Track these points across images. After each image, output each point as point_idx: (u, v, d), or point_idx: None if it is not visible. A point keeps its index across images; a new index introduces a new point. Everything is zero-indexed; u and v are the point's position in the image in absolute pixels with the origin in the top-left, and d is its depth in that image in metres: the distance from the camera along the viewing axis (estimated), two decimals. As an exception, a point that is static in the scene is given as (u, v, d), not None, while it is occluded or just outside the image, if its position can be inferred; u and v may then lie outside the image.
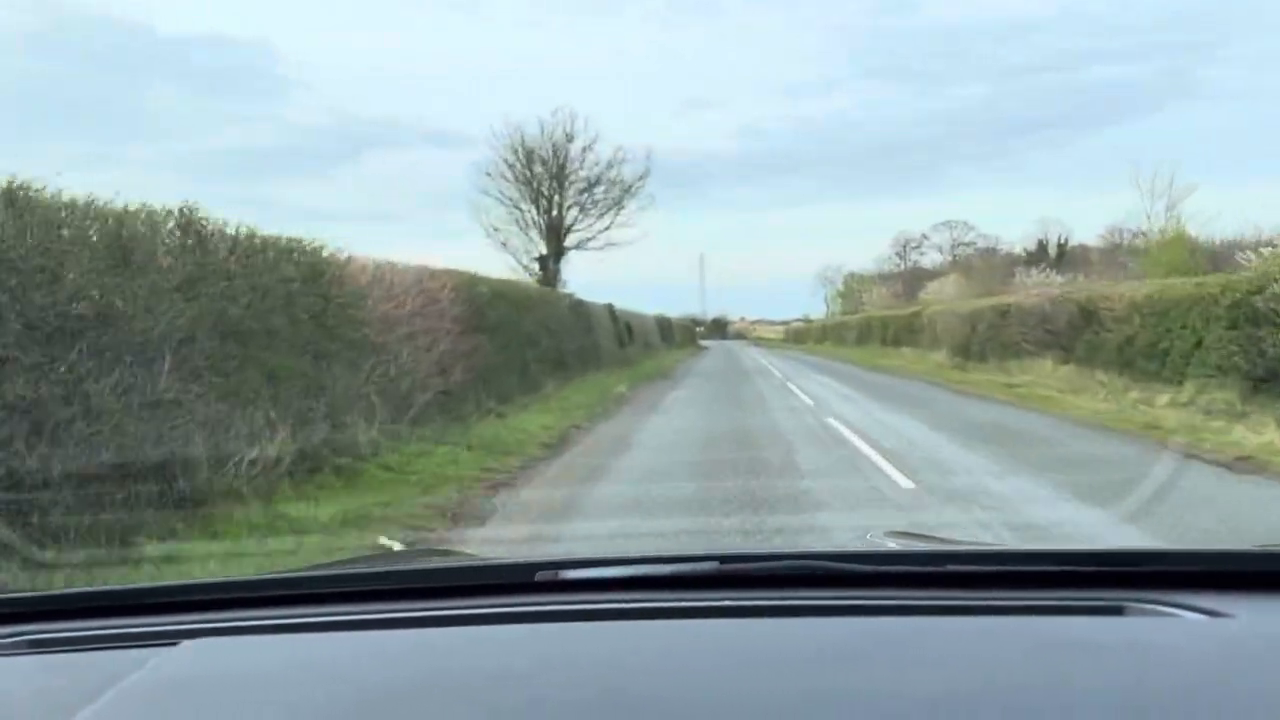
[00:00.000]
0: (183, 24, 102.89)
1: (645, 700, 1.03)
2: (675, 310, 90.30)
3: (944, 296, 52.57)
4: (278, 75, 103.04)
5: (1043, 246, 67.52)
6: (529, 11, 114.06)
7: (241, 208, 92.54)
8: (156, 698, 1.10)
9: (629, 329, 36.21)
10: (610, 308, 36.24)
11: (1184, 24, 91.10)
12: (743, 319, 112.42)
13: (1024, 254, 68.10)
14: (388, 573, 1.74)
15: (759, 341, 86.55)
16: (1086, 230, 63.96)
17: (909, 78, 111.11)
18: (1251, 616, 1.27)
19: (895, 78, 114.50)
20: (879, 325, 47.46)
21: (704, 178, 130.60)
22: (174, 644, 1.27)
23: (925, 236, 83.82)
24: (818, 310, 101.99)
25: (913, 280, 66.55)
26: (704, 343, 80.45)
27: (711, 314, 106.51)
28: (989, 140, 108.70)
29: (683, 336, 71.23)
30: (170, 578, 5.09)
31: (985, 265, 62.06)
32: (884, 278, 71.55)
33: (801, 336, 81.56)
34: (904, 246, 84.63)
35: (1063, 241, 64.48)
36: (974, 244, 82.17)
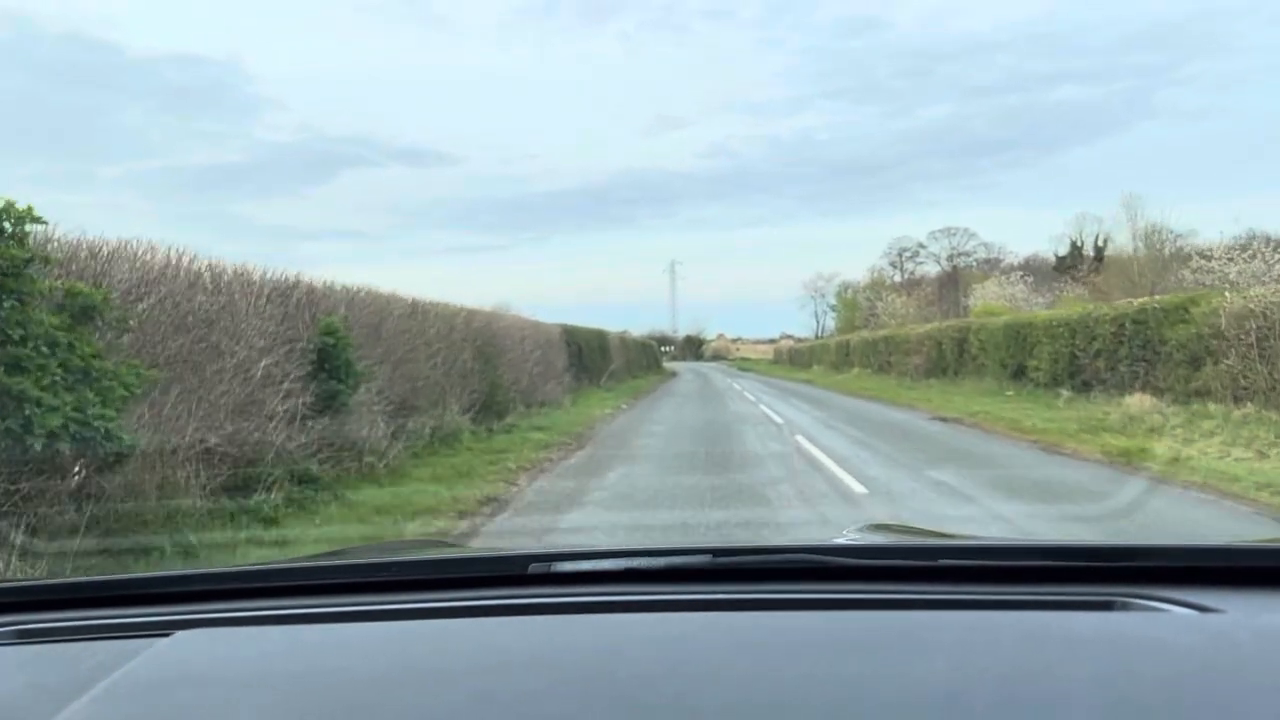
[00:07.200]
0: (153, 43, 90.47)
1: (638, 692, 1.01)
2: (643, 327, 78.38)
3: (1029, 305, 42.31)
4: (249, 93, 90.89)
5: (1076, 249, 58.23)
6: (500, 32, 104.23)
7: (211, 225, 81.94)
8: (148, 689, 1.08)
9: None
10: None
11: (1145, 46, 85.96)
12: (721, 336, 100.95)
13: (1054, 258, 59.52)
14: (380, 564, 1.73)
15: (744, 366, 72.80)
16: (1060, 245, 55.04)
17: (875, 98, 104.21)
18: (1240, 611, 1.28)
19: (862, 98, 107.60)
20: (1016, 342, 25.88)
21: (674, 197, 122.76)
22: (165, 635, 1.24)
23: (922, 245, 74.68)
24: (802, 326, 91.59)
25: (946, 285, 56.49)
26: (672, 365, 68.15)
27: (685, 331, 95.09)
28: (956, 159, 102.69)
29: (639, 359, 50.93)
30: None
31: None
32: (911, 283, 61.13)
33: (801, 359, 67.33)
34: (899, 255, 75.16)
35: (1101, 244, 55.30)
36: (974, 253, 73.22)
